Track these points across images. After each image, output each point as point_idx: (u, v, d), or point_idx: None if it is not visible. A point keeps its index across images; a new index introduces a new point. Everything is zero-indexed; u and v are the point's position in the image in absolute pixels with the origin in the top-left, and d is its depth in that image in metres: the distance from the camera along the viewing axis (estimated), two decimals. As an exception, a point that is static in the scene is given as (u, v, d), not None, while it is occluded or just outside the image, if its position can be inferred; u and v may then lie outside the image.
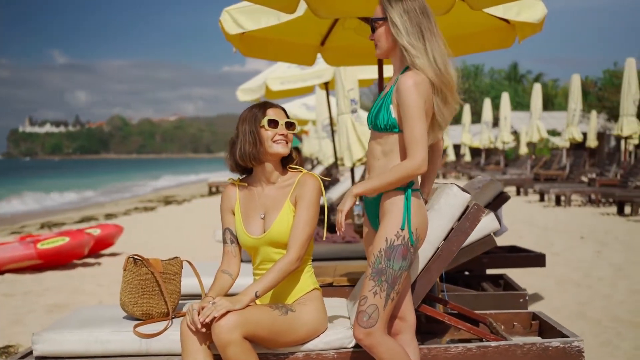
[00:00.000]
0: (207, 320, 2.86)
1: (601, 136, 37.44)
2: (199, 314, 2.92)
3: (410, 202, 2.96)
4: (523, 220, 12.74)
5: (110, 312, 3.62)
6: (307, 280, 3.25)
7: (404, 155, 2.96)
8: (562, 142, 25.79)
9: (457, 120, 51.18)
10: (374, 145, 3.05)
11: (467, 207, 3.35)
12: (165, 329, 3.25)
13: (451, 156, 35.46)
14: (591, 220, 12.80)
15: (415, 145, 2.86)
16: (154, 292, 3.42)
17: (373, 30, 3.12)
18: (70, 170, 74.88)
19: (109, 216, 16.47)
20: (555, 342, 3.31)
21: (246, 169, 3.34)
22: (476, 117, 50.70)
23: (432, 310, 3.55)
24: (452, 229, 3.35)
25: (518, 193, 19.70)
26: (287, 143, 3.23)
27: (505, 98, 24.09)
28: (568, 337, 3.40)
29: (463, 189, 3.37)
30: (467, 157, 34.94)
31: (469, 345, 3.30)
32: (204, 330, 2.92)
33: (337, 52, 7.56)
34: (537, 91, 22.40)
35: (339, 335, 3.25)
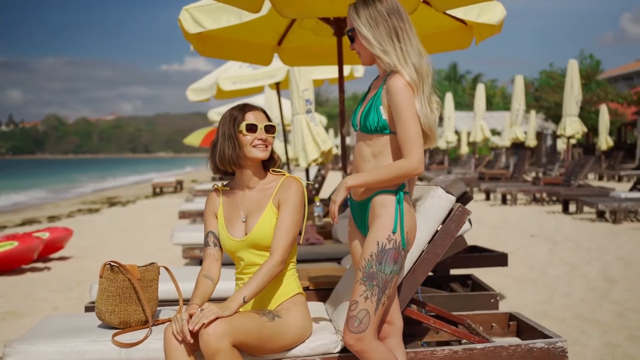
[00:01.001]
0: (196, 327, 2.80)
1: (539, 136, 38.24)
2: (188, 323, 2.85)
3: (402, 205, 2.94)
4: (472, 220, 12.87)
5: (83, 321, 3.51)
6: (292, 284, 3.22)
7: (395, 156, 2.93)
8: (502, 141, 26.25)
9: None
10: (362, 147, 3.01)
11: (452, 209, 3.35)
12: (145, 338, 3.16)
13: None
14: (538, 219, 13.03)
15: (410, 145, 2.83)
16: (131, 299, 3.32)
17: (351, 40, 3.07)
18: (3, 171, 72.91)
19: (52, 218, 16.07)
20: (540, 343, 3.33)
21: (226, 172, 3.29)
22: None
23: (417, 313, 3.54)
24: (437, 231, 3.34)
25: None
26: (266, 147, 3.19)
27: (448, 98, 24.39)
28: (550, 337, 3.43)
29: (448, 191, 3.36)
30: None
31: (455, 347, 3.29)
32: (191, 339, 2.85)
33: (294, 52, 7.53)
34: (480, 92, 22.75)
35: (325, 341, 3.21)
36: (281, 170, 3.30)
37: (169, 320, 3.41)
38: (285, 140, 13.25)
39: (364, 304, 2.91)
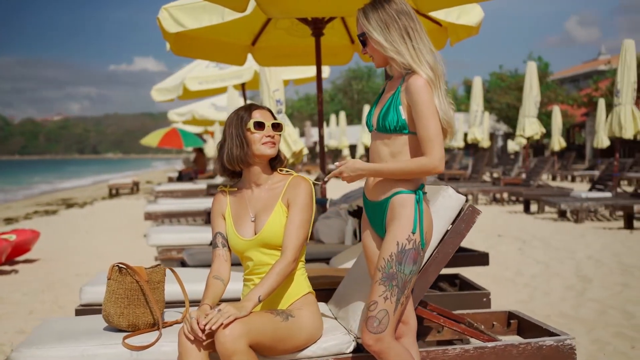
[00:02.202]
0: (214, 327, 2.76)
1: (490, 137, 38.81)
2: (198, 323, 2.81)
3: (421, 205, 2.94)
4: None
5: (86, 324, 3.44)
6: (302, 284, 3.21)
7: (413, 156, 2.94)
8: (456, 142, 26.47)
9: (354, 120, 51.90)
10: (380, 146, 3.01)
11: (462, 209, 3.36)
12: (157, 340, 3.11)
13: (348, 157, 35.82)
14: (501, 219, 13.20)
15: (431, 143, 2.84)
16: (139, 301, 3.27)
17: (363, 45, 3.07)
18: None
19: (8, 220, 15.72)
20: (549, 341, 3.36)
21: (234, 172, 3.27)
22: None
23: (428, 313, 3.55)
24: (447, 231, 3.35)
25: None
26: (274, 144, 3.18)
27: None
28: (557, 335, 3.47)
29: (458, 191, 3.38)
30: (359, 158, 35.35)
31: (466, 346, 3.31)
32: (204, 339, 2.82)
33: (268, 52, 7.51)
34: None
35: (337, 341, 3.20)
36: (289, 170, 3.29)
37: (177, 322, 3.37)
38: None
39: (383, 304, 2.91)
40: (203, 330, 2.79)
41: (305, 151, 9.01)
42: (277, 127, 3.21)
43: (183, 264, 5.97)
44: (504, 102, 38.84)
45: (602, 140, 23.57)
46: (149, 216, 11.17)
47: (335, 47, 7.56)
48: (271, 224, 3.10)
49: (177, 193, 15.73)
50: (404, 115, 2.92)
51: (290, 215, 3.11)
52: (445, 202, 3.33)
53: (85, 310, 4.51)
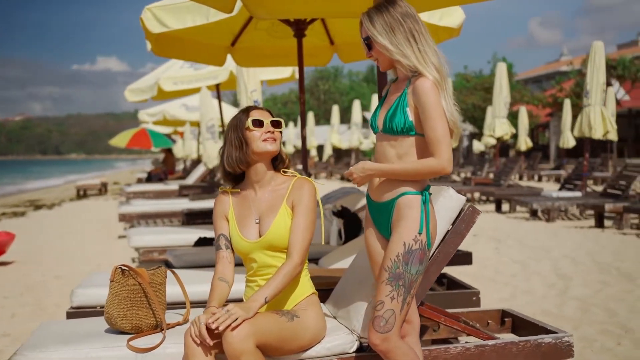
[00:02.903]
0: (221, 327, 2.77)
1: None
2: (207, 326, 2.82)
3: (428, 206, 2.98)
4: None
5: (86, 327, 3.41)
6: (306, 284, 3.23)
7: (420, 157, 2.97)
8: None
9: (321, 121, 51.96)
10: (386, 148, 3.03)
11: (462, 209, 3.41)
12: (161, 342, 3.11)
13: (316, 157, 35.86)
14: (474, 218, 13.29)
15: (439, 144, 2.88)
16: (142, 303, 3.26)
17: (368, 48, 3.09)
18: None
19: (-24, 222, 15.50)
20: (547, 339, 3.42)
21: (237, 177, 3.28)
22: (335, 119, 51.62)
23: (430, 312, 3.59)
24: (447, 231, 3.39)
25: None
26: (274, 140, 3.18)
27: (375, 100, 24.64)
28: (555, 332, 3.53)
29: (458, 192, 3.42)
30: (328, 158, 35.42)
31: (467, 345, 3.36)
32: (212, 344, 2.82)
33: (247, 53, 7.52)
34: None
35: (341, 341, 3.23)
36: (292, 171, 3.30)
37: (179, 323, 3.36)
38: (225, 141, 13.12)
39: (390, 304, 2.94)
40: (210, 333, 2.80)
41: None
42: (277, 124, 3.22)
43: (168, 265, 5.93)
44: (470, 102, 39.18)
45: (568, 141, 23.92)
46: (123, 217, 11.08)
47: (314, 48, 7.58)
48: (276, 227, 3.11)
49: (149, 194, 15.63)
50: (411, 117, 2.95)
51: (296, 217, 3.12)
52: (446, 203, 3.37)
53: (77, 312, 4.48)
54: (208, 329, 2.81)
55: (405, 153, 2.99)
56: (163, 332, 3.19)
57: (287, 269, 3.04)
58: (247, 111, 3.22)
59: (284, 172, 3.28)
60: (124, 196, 16.56)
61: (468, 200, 4.04)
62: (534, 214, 12.91)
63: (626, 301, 6.07)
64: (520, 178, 25.99)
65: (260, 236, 3.15)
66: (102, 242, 11.02)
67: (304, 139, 7.29)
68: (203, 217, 9.26)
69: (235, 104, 45.18)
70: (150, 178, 20.12)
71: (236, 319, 2.79)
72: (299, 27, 6.67)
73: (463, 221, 3.37)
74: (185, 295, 3.49)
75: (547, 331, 3.59)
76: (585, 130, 13.01)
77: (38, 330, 3.43)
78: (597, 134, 12.93)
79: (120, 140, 22.18)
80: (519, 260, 8.35)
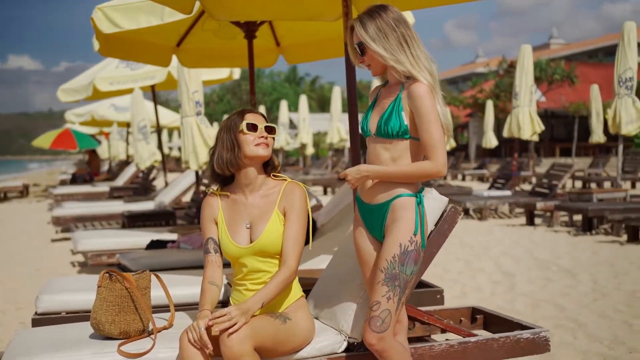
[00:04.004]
0: (218, 329, 2.79)
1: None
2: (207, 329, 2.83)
3: (423, 208, 3.05)
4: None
5: (69, 333, 3.37)
6: (296, 288, 3.27)
7: (414, 160, 3.04)
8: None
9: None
10: (380, 151, 3.09)
11: (445, 210, 3.49)
12: (152, 347, 3.09)
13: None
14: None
15: (434, 148, 2.95)
16: (129, 308, 3.24)
17: (361, 54, 3.13)
18: None
19: None
20: (526, 334, 3.56)
21: (225, 178, 3.28)
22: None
23: (414, 311, 3.67)
24: (431, 232, 3.47)
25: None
26: (267, 146, 3.20)
27: (303, 100, 24.76)
28: (531, 328, 3.67)
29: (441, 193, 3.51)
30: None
31: (451, 342, 3.45)
32: (211, 347, 2.83)
33: (193, 54, 7.48)
34: (336, 94, 23.25)
35: (330, 341, 3.29)
36: (282, 175, 3.32)
37: (165, 328, 3.34)
38: (160, 141, 12.97)
39: (386, 304, 3.00)
40: (208, 337, 2.81)
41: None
42: (270, 130, 3.23)
43: (123, 269, 5.85)
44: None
45: (490, 141, 24.57)
46: (57, 221, 10.84)
47: (260, 50, 7.58)
48: (268, 233, 3.13)
49: (77, 196, 15.34)
50: (406, 121, 3.02)
51: (288, 223, 3.14)
52: (430, 204, 3.43)
53: (42, 319, 4.39)
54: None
55: (399, 156, 3.06)
56: (153, 336, 3.17)
57: (284, 276, 3.07)
58: (241, 114, 3.22)
59: (274, 176, 3.29)
60: (51, 199, 16.17)
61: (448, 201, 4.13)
62: (466, 212, 13.22)
63: (571, 296, 6.31)
64: (445, 177, 26.53)
65: (251, 241, 3.16)
66: (35, 246, 10.73)
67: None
68: (144, 220, 9.15)
69: (167, 104, 44.60)
70: (74, 179, 19.71)
71: (235, 323, 2.81)
72: (250, 29, 6.68)
73: (446, 222, 3.45)
74: (169, 299, 3.47)
75: (522, 327, 3.72)
76: (514, 131, 13.39)
77: (18, 338, 3.36)
78: (526, 135, 13.34)
79: (44, 140, 21.65)
80: (461, 257, 8.55)
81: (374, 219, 3.14)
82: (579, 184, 19.31)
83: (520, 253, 8.79)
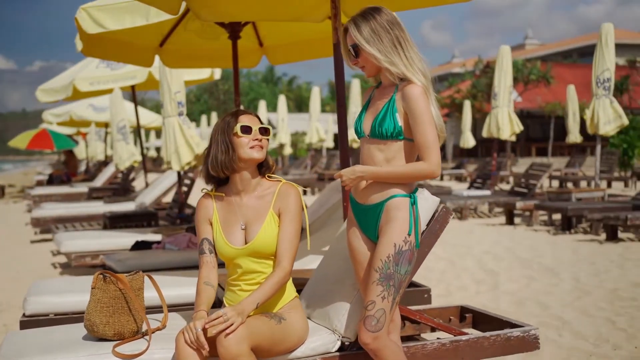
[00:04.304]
0: (215, 331, 2.80)
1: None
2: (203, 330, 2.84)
3: (417, 208, 3.09)
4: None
5: (62, 335, 3.36)
6: (290, 288, 3.29)
7: (407, 161, 3.07)
8: (327, 142, 26.94)
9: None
10: (374, 152, 3.11)
11: (436, 210, 3.53)
12: (147, 348, 3.10)
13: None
14: (388, 217, 13.58)
15: (429, 149, 2.98)
16: (123, 309, 3.24)
17: (355, 55, 3.15)
18: None
19: None
20: (516, 332, 3.60)
21: (220, 179, 3.28)
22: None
23: (406, 310, 3.69)
24: (422, 231, 3.50)
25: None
26: (262, 148, 3.21)
27: (282, 101, 24.78)
28: (521, 326, 3.71)
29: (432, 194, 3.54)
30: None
31: (443, 340, 3.48)
32: (207, 348, 2.84)
33: (176, 54, 7.47)
34: (315, 94, 23.29)
35: (324, 341, 3.31)
36: (276, 176, 3.34)
37: (158, 328, 3.34)
38: (141, 142, 12.92)
39: (381, 303, 3.02)
40: (205, 338, 2.82)
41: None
42: (264, 131, 3.24)
43: (109, 270, 5.82)
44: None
45: (468, 141, 24.71)
46: (37, 222, 10.77)
47: (244, 50, 7.59)
48: (263, 234, 3.14)
49: (56, 197, 15.22)
50: (400, 122, 3.04)
51: (283, 225, 3.16)
52: (422, 204, 3.46)
53: (30, 321, 4.38)
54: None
55: (393, 157, 3.08)
56: (148, 337, 3.18)
57: (278, 277, 3.08)
58: (235, 115, 3.22)
59: (269, 177, 3.30)
60: (29, 199, 16.03)
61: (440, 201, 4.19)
62: (446, 212, 13.28)
63: (555, 294, 6.38)
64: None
65: (246, 242, 3.17)
66: (14, 248, 10.64)
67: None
68: (126, 221, 9.12)
69: (143, 104, 44.35)
70: (51, 180, 19.54)
71: (232, 324, 2.82)
72: (234, 29, 6.69)
73: (437, 222, 3.49)
74: (162, 300, 3.47)
75: (512, 325, 3.76)
76: (493, 131, 13.51)
77: (9, 340, 3.34)
78: (505, 135, 13.46)
79: (20, 141, 21.45)
80: (444, 257, 8.61)
81: (368, 219, 3.16)
82: (555, 183, 19.49)
83: (502, 252, 8.87)
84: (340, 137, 4.52)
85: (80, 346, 3.14)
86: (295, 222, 3.18)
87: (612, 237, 9.60)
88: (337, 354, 3.30)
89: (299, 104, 60.15)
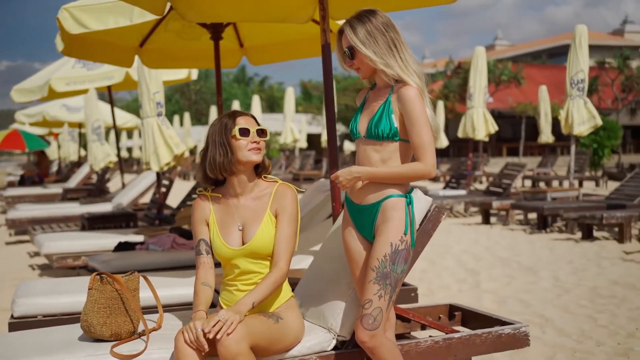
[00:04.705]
0: (218, 336, 2.82)
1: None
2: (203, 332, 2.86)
3: (413, 208, 3.13)
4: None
5: (57, 336, 3.36)
6: (286, 288, 3.32)
7: (403, 161, 3.12)
8: (302, 143, 26.96)
9: (194, 121, 51.35)
10: (370, 152, 3.15)
11: (429, 209, 3.57)
12: (145, 348, 3.11)
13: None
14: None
15: (425, 150, 3.03)
16: (120, 310, 3.25)
17: (350, 57, 3.18)
18: None
19: None
20: (507, 329, 3.66)
21: (217, 181, 3.29)
22: (206, 119, 51.12)
23: (399, 309, 3.74)
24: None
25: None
26: (259, 150, 3.23)
27: (256, 101, 24.74)
28: (511, 323, 3.77)
29: (424, 193, 3.59)
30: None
31: (436, 338, 3.53)
32: (207, 348, 2.86)
33: (155, 55, 7.46)
34: (290, 95, 23.29)
35: (320, 340, 3.34)
36: (272, 177, 3.35)
37: (154, 329, 3.35)
38: (118, 143, 12.84)
39: (378, 302, 3.07)
40: (206, 338, 2.84)
41: (187, 154, 8.96)
42: (261, 133, 3.26)
43: (92, 271, 5.80)
44: (342, 103, 39.92)
45: (441, 141, 24.88)
46: (12, 223, 10.67)
47: (224, 51, 7.60)
48: (260, 235, 3.16)
49: (30, 198, 15.07)
50: (396, 124, 3.09)
51: (280, 226, 3.18)
52: (415, 204, 3.51)
53: (19, 323, 4.36)
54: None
55: (389, 157, 3.13)
56: (146, 337, 3.19)
57: (275, 277, 3.11)
58: (233, 117, 3.22)
59: (265, 177, 3.32)
60: (2, 200, 15.86)
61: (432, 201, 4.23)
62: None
63: (535, 292, 6.48)
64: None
65: (243, 243, 3.19)
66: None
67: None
68: (104, 222, 9.08)
69: (114, 104, 43.96)
70: (23, 181, 19.33)
71: (231, 324, 2.84)
72: (216, 30, 6.70)
73: (430, 221, 3.53)
74: (157, 300, 3.47)
75: (502, 322, 3.82)
76: (469, 131, 13.63)
77: (2, 342, 3.33)
78: (480, 135, 13.60)
79: (-8, 141, 21.22)
80: (424, 256, 8.67)
81: (364, 219, 3.20)
82: (528, 183, 19.72)
83: (481, 251, 8.97)
84: (329, 137, 4.53)
85: (77, 347, 3.14)
86: (292, 223, 3.20)
87: (588, 235, 9.75)
88: (333, 352, 3.34)
89: (271, 104, 60.12)
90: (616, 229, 10.07)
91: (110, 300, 3.22)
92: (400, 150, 3.12)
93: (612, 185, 20.20)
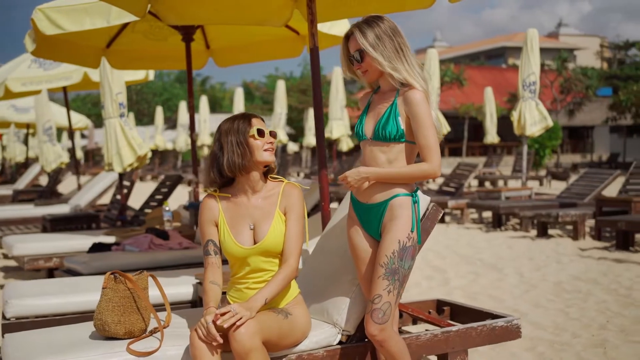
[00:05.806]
0: (226, 325, 2.91)
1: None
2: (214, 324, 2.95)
3: (419, 207, 3.27)
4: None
5: (68, 335, 3.38)
6: (294, 285, 3.42)
7: (408, 162, 3.26)
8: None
9: (137, 121, 50.75)
10: (377, 153, 3.27)
11: (427, 208, 3.72)
12: (160, 345, 3.17)
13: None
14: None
15: (431, 151, 3.18)
16: (133, 308, 3.31)
17: (358, 60, 3.30)
18: None
19: None
20: (500, 322, 3.83)
21: (226, 181, 3.35)
22: (149, 119, 50.56)
23: (399, 304, 3.86)
24: (414, 228, 3.69)
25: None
26: (273, 151, 3.33)
27: (204, 101, 24.66)
28: (502, 317, 3.95)
29: (423, 192, 3.74)
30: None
31: (434, 331, 3.68)
32: (221, 341, 2.95)
33: (122, 56, 7.48)
34: (239, 96, 23.27)
35: (326, 334, 3.46)
36: (278, 176, 3.45)
37: (164, 327, 3.41)
38: (74, 144, 12.69)
39: (387, 297, 3.20)
40: (218, 332, 2.93)
41: (150, 154, 8.96)
42: (273, 134, 3.36)
43: (73, 273, 5.79)
44: (291, 104, 40.08)
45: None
46: (-8, 226, 10.44)
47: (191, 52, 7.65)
48: (272, 233, 3.25)
49: (-23, 200, 14.76)
50: (402, 126, 3.22)
51: (289, 223, 3.28)
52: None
53: (13, 324, 4.35)
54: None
55: (395, 158, 3.26)
56: (159, 335, 3.25)
57: (285, 274, 3.21)
58: (247, 118, 3.30)
59: (271, 177, 3.41)
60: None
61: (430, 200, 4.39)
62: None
63: (503, 289, 6.70)
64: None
65: (255, 242, 3.27)
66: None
67: (193, 143, 7.36)
68: (66, 223, 9.00)
69: (75, 105, 43.14)
70: (-34, 183, 18.92)
71: (241, 318, 2.94)
72: (188, 32, 6.77)
73: (429, 219, 3.67)
74: (165, 299, 3.53)
75: (493, 316, 4.00)
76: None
77: (9, 343, 3.34)
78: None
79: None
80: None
81: (371, 218, 3.32)
82: (475, 182, 20.14)
83: (442, 249, 9.19)
84: (317, 137, 4.61)
85: (91, 345, 3.18)
86: (300, 221, 3.30)
87: (543, 233, 10.07)
88: (339, 346, 3.45)
89: (213, 105, 59.79)
90: (569, 227, 10.42)
91: (123, 299, 3.28)
92: (406, 151, 3.26)
93: (555, 184, 20.80)
